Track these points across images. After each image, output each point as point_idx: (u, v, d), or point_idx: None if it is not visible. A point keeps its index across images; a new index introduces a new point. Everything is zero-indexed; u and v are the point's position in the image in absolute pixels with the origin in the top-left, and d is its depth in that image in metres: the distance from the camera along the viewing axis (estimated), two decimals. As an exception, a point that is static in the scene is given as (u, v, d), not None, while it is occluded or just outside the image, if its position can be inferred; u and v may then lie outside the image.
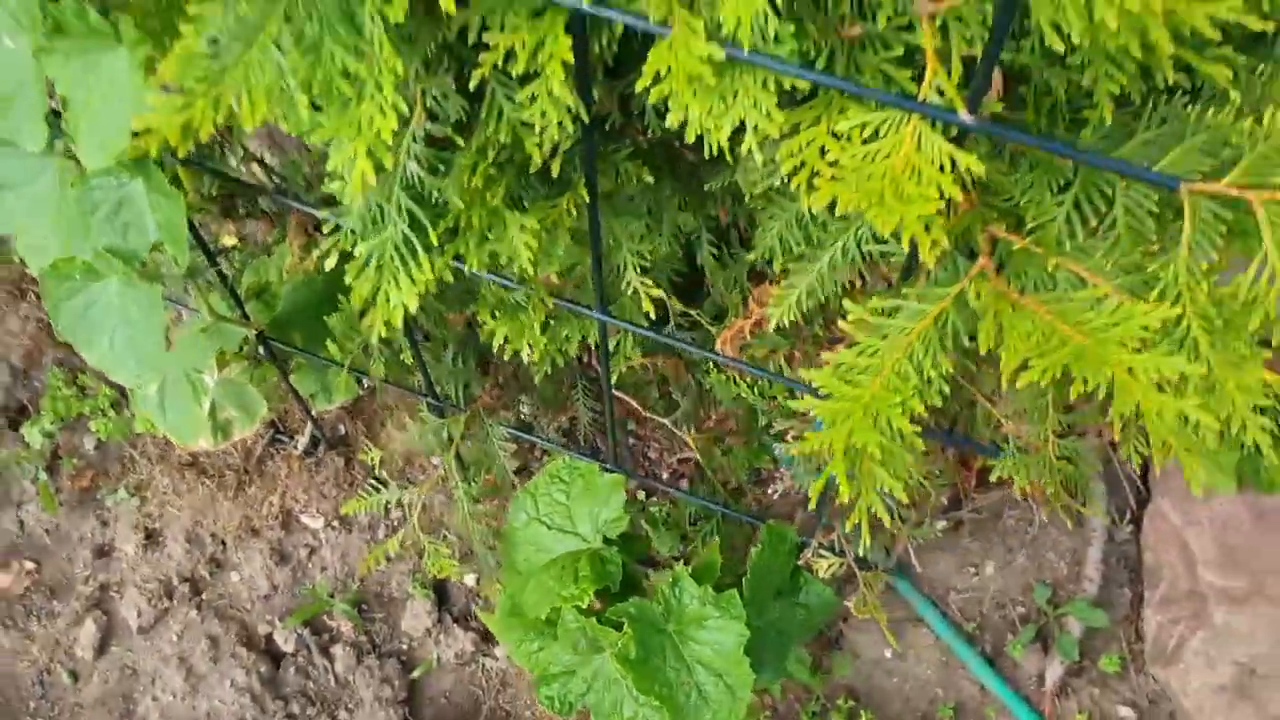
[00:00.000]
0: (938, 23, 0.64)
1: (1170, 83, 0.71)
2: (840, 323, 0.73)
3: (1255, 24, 0.60)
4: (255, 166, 1.37)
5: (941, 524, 1.48)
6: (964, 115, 0.61)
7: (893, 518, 1.48)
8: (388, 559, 1.77)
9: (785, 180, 0.76)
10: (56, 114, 1.00)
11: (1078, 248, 0.72)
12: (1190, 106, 0.73)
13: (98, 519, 1.83)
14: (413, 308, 0.77)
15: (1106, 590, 1.61)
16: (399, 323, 0.78)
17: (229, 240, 1.72)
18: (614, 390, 1.31)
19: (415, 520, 1.36)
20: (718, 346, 1.19)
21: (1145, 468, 1.66)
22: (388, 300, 0.78)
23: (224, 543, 1.80)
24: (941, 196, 0.61)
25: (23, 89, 0.97)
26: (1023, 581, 1.63)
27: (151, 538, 1.81)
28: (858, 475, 0.75)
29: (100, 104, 0.90)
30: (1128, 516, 1.65)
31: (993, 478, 1.34)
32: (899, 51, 0.67)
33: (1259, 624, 1.51)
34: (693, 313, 1.35)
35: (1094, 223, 0.72)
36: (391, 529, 1.82)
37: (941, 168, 0.62)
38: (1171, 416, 0.60)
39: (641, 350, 1.14)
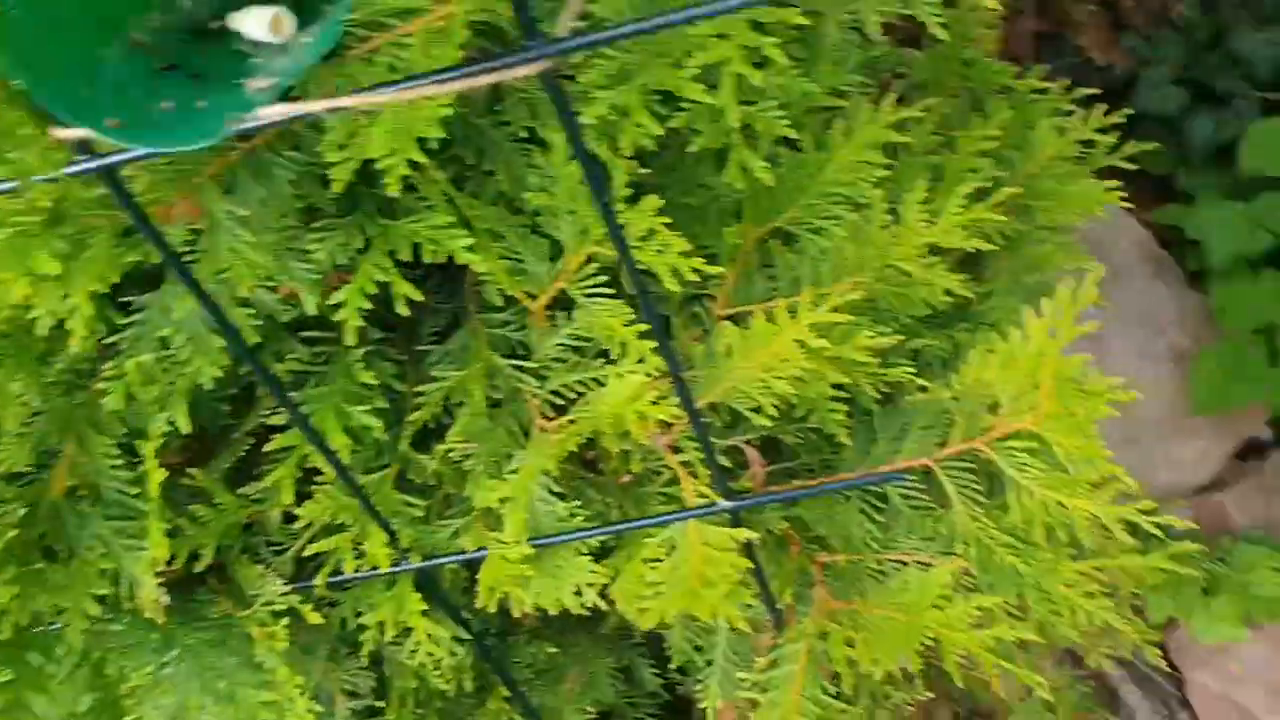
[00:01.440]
0: (675, 446, 0.81)
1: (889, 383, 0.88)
2: (738, 693, 0.84)
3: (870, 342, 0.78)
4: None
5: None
6: (722, 503, 0.76)
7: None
8: None
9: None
10: None
11: (884, 541, 0.86)
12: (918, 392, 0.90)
13: None
14: None
15: (1199, 785, 1.60)
16: None
17: None
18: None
19: None
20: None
21: (1166, 656, 1.70)
22: None
23: None
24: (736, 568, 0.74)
25: None
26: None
27: None
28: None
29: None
30: (1174, 705, 1.67)
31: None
32: (667, 475, 0.84)
33: (1342, 745, 1.50)
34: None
35: (880, 518, 0.86)
36: None
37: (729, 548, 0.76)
38: (985, 647, 0.71)
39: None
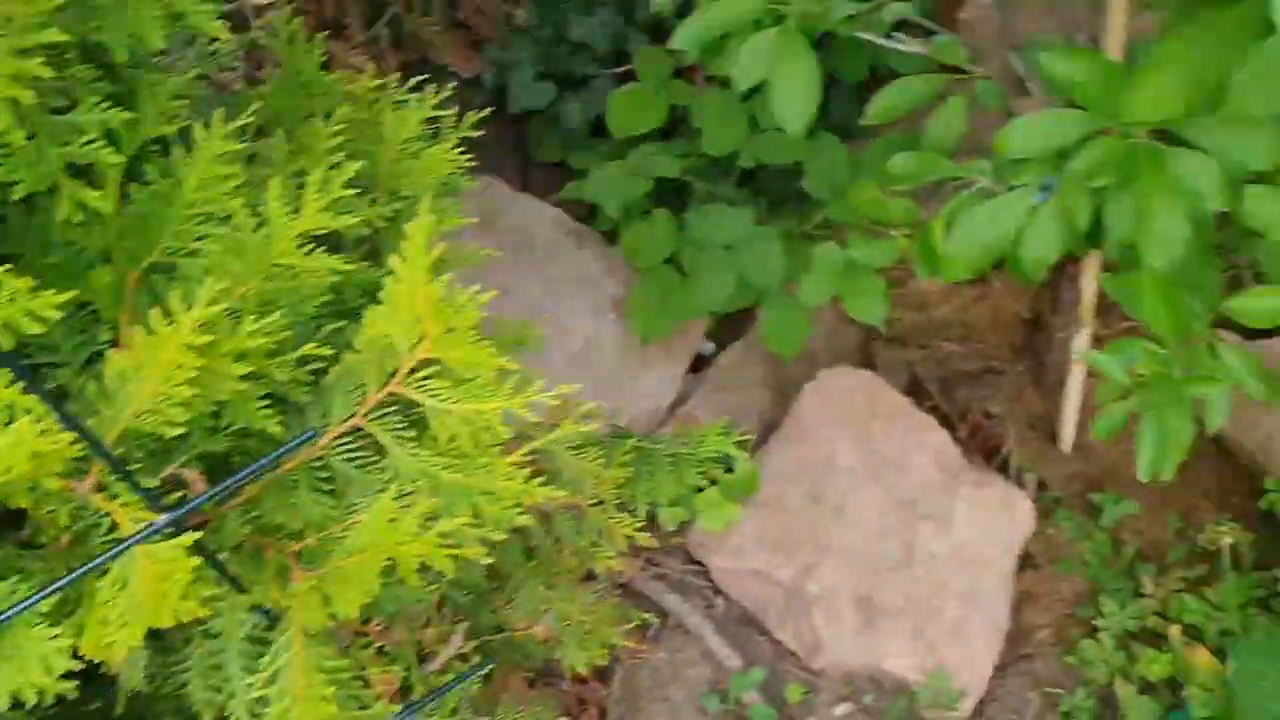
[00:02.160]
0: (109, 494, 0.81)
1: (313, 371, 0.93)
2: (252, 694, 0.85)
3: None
4: None
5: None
6: (159, 520, 0.77)
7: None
8: None
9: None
10: None
11: (343, 509, 0.91)
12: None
13: None
14: None
15: (748, 651, 1.80)
16: None
17: None
18: None
19: None
20: None
21: (689, 557, 1.89)
22: None
23: None
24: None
25: None
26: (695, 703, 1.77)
27: None
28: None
29: None
30: (710, 595, 1.87)
31: (582, 673, 1.49)
32: (106, 523, 0.83)
33: (829, 567, 1.77)
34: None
35: (332, 488, 0.91)
36: None
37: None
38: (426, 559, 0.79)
39: None
